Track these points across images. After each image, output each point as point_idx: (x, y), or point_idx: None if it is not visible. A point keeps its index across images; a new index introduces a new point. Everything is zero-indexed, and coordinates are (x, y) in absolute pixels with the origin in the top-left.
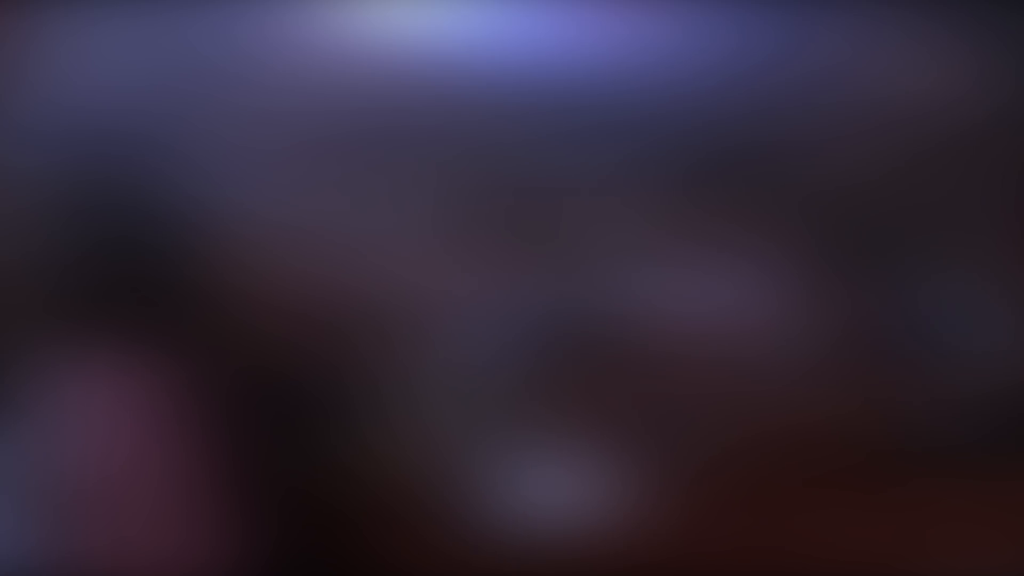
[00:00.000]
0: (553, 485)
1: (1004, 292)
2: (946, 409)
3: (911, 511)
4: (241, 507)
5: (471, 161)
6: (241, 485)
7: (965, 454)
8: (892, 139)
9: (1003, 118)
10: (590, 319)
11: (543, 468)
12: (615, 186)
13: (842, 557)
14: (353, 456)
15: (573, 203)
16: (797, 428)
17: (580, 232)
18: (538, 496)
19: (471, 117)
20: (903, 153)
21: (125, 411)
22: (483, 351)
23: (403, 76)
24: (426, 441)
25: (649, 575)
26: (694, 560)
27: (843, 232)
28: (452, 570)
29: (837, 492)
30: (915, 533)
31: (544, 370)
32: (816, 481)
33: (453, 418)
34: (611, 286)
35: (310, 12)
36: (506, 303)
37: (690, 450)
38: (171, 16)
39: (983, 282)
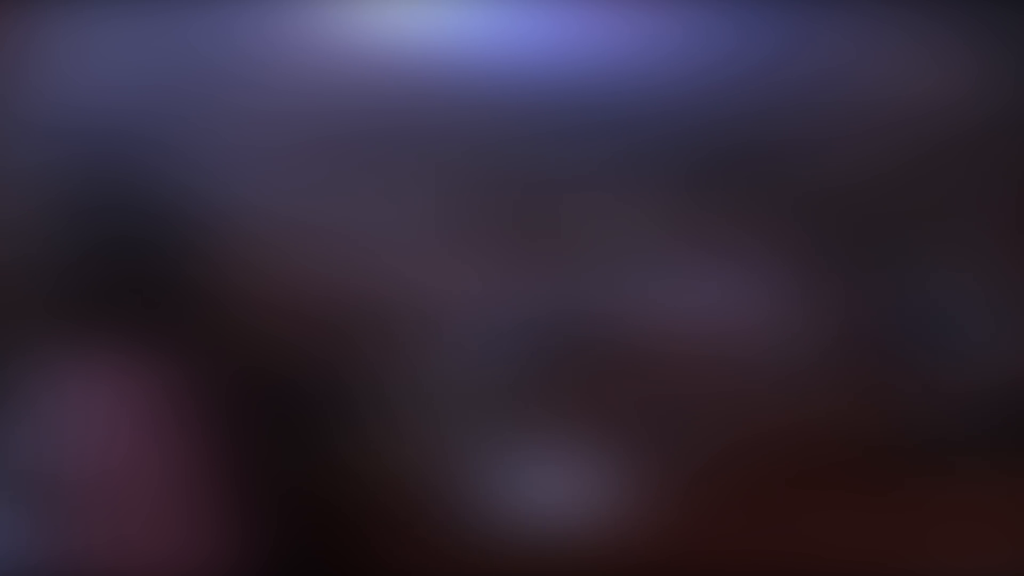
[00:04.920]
0: (553, 484)
1: (1002, 292)
2: (946, 409)
3: (911, 510)
4: (241, 507)
5: (471, 160)
6: (242, 485)
7: (964, 453)
8: (892, 139)
9: (1003, 119)
10: (590, 318)
11: (543, 467)
12: (615, 186)
13: (841, 557)
14: (354, 456)
15: (574, 202)
16: (797, 428)
17: (581, 231)
18: (538, 496)
19: (471, 116)
20: (903, 153)
21: (126, 410)
22: (483, 350)
23: (404, 75)
24: (427, 440)
25: (649, 575)
26: (693, 560)
27: (842, 231)
28: (452, 570)
29: (836, 492)
30: (915, 532)
31: (544, 369)
32: (815, 481)
33: (454, 417)
34: (612, 285)
35: (310, 12)
36: (507, 302)
37: (690, 449)
38: (171, 16)
39: (982, 282)
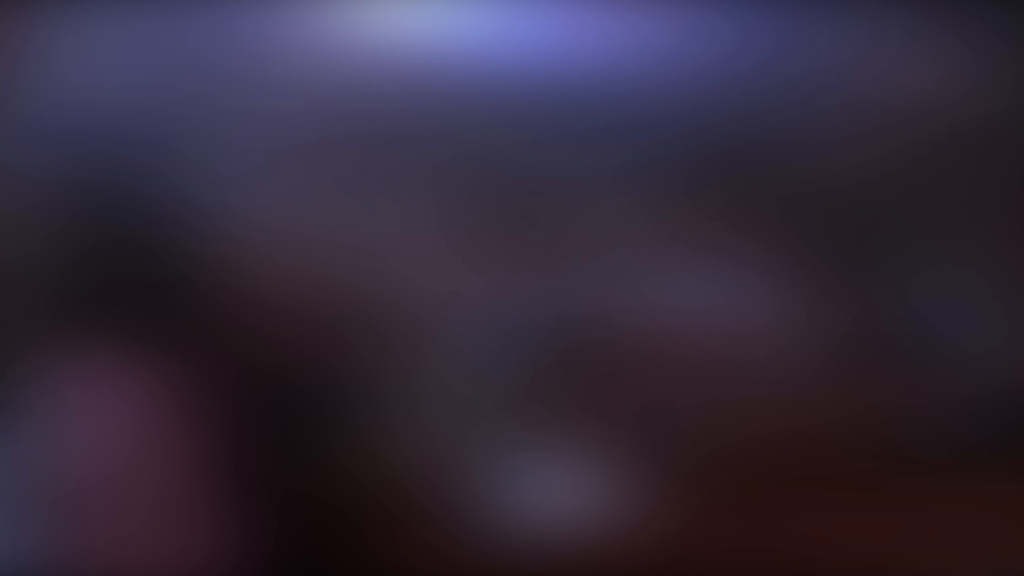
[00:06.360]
0: (553, 486)
1: (1005, 293)
2: (947, 410)
3: (912, 512)
4: (241, 507)
5: (471, 162)
6: (241, 485)
7: (966, 455)
8: (893, 140)
9: (1004, 119)
10: (591, 320)
11: (543, 469)
12: (615, 187)
13: (842, 558)
14: (353, 457)
15: (574, 204)
16: (798, 430)
17: (581, 233)
18: (538, 497)
19: (471, 118)
20: (904, 154)
21: (125, 411)
22: (483, 352)
23: (404, 77)
24: (426, 442)
25: None
26: (694, 561)
27: (844, 233)
28: (451, 571)
29: (838, 493)
30: (916, 534)
31: (544, 371)
32: (817, 482)
33: (453, 419)
34: (612, 287)
35: (310, 12)
36: (506, 304)
37: (691, 452)
38: (171, 16)
39: (984, 283)
